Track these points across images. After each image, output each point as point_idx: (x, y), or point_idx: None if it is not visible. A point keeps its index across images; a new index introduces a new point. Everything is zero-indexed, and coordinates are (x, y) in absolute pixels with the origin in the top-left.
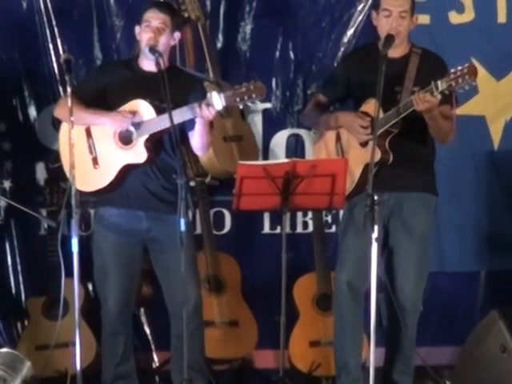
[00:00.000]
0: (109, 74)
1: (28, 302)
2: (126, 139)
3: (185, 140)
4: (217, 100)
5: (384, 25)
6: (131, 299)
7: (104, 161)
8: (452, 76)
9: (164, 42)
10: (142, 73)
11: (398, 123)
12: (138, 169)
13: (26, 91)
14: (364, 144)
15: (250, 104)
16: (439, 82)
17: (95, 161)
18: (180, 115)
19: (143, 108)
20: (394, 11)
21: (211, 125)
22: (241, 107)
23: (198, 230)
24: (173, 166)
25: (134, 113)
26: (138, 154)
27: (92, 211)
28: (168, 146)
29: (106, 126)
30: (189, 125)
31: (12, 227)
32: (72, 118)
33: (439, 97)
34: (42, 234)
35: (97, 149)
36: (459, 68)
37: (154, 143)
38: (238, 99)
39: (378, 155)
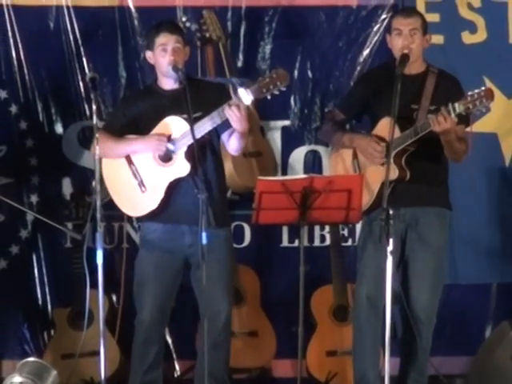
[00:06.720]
0: (135, 104)
1: (54, 312)
2: (166, 157)
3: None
4: (244, 96)
5: (397, 43)
6: (167, 311)
7: (150, 183)
8: (469, 99)
9: (182, 59)
10: (166, 93)
11: (414, 141)
12: (186, 182)
13: (52, 108)
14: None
15: (276, 92)
16: (456, 105)
17: (142, 185)
18: (212, 121)
19: (175, 123)
20: (405, 29)
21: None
22: (269, 97)
23: None
24: (216, 179)
25: (167, 136)
26: (180, 167)
27: (116, 225)
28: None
29: (143, 152)
30: (221, 127)
31: (39, 240)
32: (97, 135)
33: (455, 119)
34: (68, 246)
35: (140, 173)
36: (476, 91)
37: (194, 153)
38: (264, 90)
39: (395, 173)
